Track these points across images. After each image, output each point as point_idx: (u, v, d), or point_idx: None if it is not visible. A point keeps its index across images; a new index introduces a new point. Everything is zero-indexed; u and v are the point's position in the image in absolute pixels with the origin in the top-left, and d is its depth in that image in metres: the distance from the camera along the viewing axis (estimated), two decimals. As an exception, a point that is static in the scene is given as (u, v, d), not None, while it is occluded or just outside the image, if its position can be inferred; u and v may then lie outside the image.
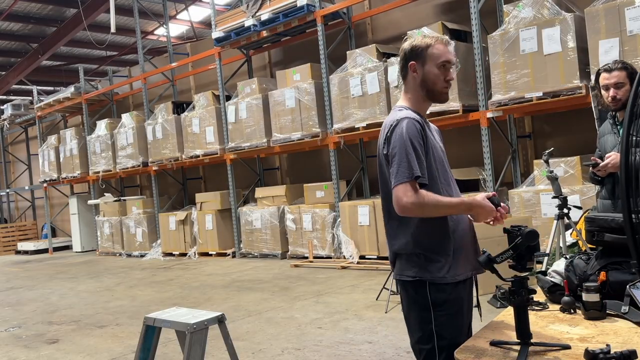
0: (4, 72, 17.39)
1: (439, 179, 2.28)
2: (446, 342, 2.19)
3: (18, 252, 16.32)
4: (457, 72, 7.25)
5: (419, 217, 2.22)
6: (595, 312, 2.17)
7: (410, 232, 2.27)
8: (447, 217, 2.25)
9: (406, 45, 2.37)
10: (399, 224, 2.30)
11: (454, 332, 2.22)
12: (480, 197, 2.21)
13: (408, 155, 2.17)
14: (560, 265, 2.46)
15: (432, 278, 2.21)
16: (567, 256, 2.52)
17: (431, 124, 2.47)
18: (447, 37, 2.37)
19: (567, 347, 1.89)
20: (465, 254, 2.29)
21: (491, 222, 2.24)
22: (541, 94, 6.54)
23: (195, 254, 11.21)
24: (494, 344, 1.99)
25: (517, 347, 1.91)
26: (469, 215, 2.32)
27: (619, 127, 3.47)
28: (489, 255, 1.98)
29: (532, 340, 1.90)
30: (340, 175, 9.08)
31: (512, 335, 2.01)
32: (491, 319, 2.41)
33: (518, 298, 1.90)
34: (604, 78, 3.44)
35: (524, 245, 1.95)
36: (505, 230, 2.04)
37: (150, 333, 3.19)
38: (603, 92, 3.46)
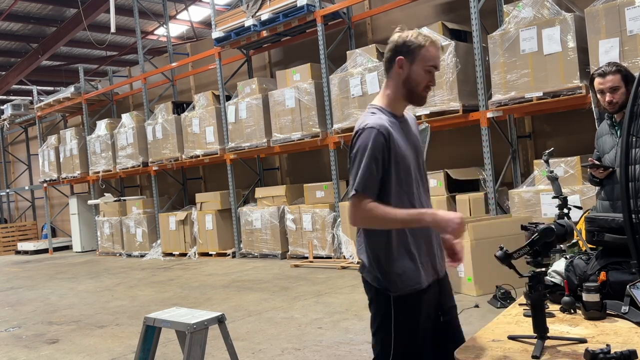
0: (4, 72, 17.39)
1: (401, 188, 2.25)
2: (400, 350, 2.22)
3: (18, 252, 16.32)
4: (457, 73, 7.27)
5: (369, 228, 2.25)
6: (595, 312, 2.17)
7: (363, 243, 2.32)
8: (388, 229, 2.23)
9: (398, 37, 2.27)
10: (360, 233, 2.35)
11: (410, 339, 2.23)
12: (442, 211, 2.16)
13: (361, 168, 2.17)
14: (560, 265, 2.46)
15: (392, 290, 2.23)
16: (567, 256, 2.52)
17: (407, 116, 2.43)
18: (440, 41, 2.33)
19: (584, 341, 1.90)
20: (427, 258, 2.28)
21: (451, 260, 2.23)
22: (541, 94, 6.54)
23: (195, 254, 11.21)
24: (511, 338, 2.01)
25: (533, 341, 1.93)
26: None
27: (616, 128, 3.46)
28: (506, 251, 2.01)
29: (548, 335, 1.92)
30: (340, 175, 9.08)
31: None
32: (491, 319, 2.42)
33: (535, 293, 1.94)
34: (599, 83, 3.39)
35: (540, 242, 1.97)
36: (522, 227, 2.07)
37: (150, 333, 3.19)
38: (598, 96, 3.42)
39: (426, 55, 2.24)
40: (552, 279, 2.40)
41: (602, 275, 2.27)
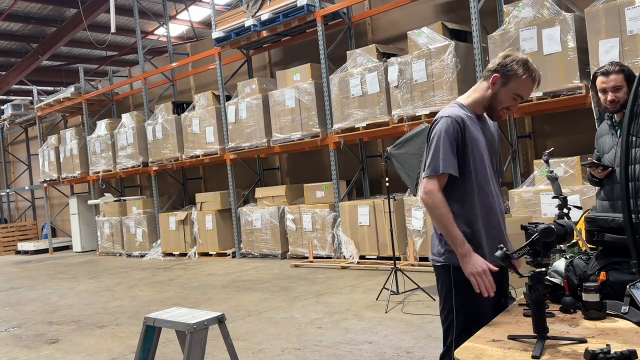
0: (4, 72, 17.40)
1: (476, 176, 2.44)
2: (462, 316, 2.42)
3: (18, 252, 16.32)
4: (457, 73, 7.28)
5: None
6: (595, 312, 2.17)
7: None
8: (472, 207, 2.43)
9: (506, 57, 2.43)
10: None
11: (471, 310, 2.41)
12: (475, 255, 2.34)
13: (439, 152, 2.37)
14: (560, 265, 2.46)
15: (455, 263, 2.42)
16: (567, 256, 2.52)
17: (488, 120, 2.61)
18: (540, 76, 2.45)
19: (584, 341, 1.90)
20: (494, 242, 2.42)
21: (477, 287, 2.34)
22: (541, 94, 6.54)
23: (195, 254, 11.21)
24: (511, 338, 2.01)
25: (533, 341, 1.93)
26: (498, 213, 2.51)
27: (616, 128, 3.46)
28: (505, 251, 2.01)
29: (548, 335, 1.92)
30: (340, 175, 9.08)
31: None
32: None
33: (535, 293, 1.94)
34: (602, 82, 3.38)
35: (540, 242, 1.97)
36: (522, 227, 2.07)
37: (150, 333, 3.19)
38: (600, 95, 3.39)
39: (520, 86, 2.41)
40: (552, 279, 2.40)
41: (602, 275, 2.27)
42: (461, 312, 2.42)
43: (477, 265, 2.30)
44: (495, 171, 2.56)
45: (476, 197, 2.44)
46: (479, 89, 2.50)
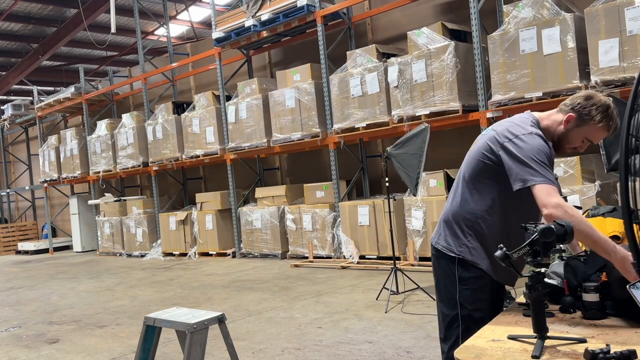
0: (4, 72, 17.41)
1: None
2: (466, 312, 2.44)
3: (18, 252, 16.32)
4: (457, 73, 7.28)
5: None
6: (595, 312, 2.17)
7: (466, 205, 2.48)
8: (504, 221, 2.41)
9: (588, 99, 2.34)
10: (475, 196, 2.47)
11: (475, 305, 2.44)
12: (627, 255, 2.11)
13: (543, 166, 2.25)
14: (558, 266, 2.46)
15: (469, 259, 2.45)
16: (564, 256, 2.52)
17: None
18: (617, 126, 2.33)
19: (583, 341, 1.91)
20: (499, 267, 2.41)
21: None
22: (541, 94, 6.54)
23: (195, 254, 11.21)
24: (511, 338, 2.01)
25: (533, 341, 1.93)
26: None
27: None
28: (505, 251, 2.01)
29: (547, 334, 1.92)
30: (340, 175, 9.08)
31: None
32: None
33: (535, 293, 1.94)
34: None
35: (540, 242, 1.97)
36: (521, 226, 2.07)
37: (151, 333, 3.19)
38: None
39: (594, 131, 2.35)
40: (551, 281, 2.40)
41: (604, 276, 2.27)
42: (466, 308, 2.44)
43: (627, 265, 2.09)
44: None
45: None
46: (553, 119, 2.42)
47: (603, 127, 2.33)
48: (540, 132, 2.34)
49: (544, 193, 2.20)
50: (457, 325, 2.46)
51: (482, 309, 2.44)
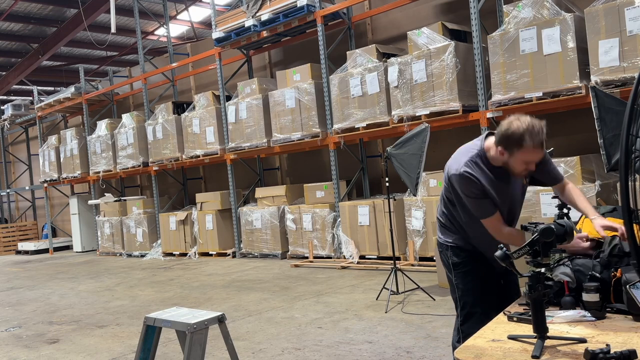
0: (4, 72, 17.41)
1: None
2: (461, 293, 2.84)
3: (18, 252, 16.32)
4: (457, 73, 7.28)
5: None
6: (595, 312, 2.17)
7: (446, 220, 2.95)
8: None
9: (507, 128, 2.46)
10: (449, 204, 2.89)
11: (467, 286, 2.80)
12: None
13: (476, 204, 2.63)
14: (565, 268, 2.45)
15: (452, 244, 2.88)
16: (565, 257, 2.52)
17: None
18: (542, 139, 2.44)
19: (583, 341, 1.91)
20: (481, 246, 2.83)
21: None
22: (541, 94, 6.54)
23: (195, 254, 11.21)
24: (511, 337, 2.01)
25: (533, 341, 1.93)
26: None
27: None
28: (505, 251, 2.02)
29: (547, 334, 1.92)
30: (340, 175, 9.08)
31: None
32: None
33: (535, 293, 1.94)
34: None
35: (540, 242, 1.97)
36: (522, 226, 2.08)
37: (151, 333, 3.19)
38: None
39: (522, 157, 2.45)
40: (565, 278, 2.39)
41: (619, 273, 2.27)
42: (463, 291, 2.80)
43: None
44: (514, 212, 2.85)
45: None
46: (495, 149, 2.59)
47: (528, 147, 2.41)
48: (469, 170, 2.56)
49: (488, 223, 2.61)
50: (459, 306, 2.84)
51: (473, 290, 2.78)
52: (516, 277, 2.78)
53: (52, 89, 18.02)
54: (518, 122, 2.44)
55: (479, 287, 2.78)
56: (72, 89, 14.36)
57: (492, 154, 2.59)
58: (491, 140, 2.60)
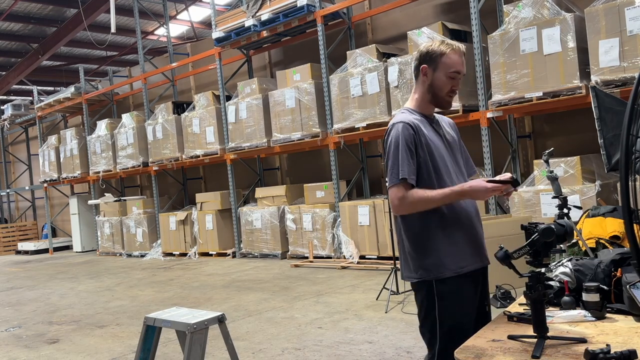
0: (4, 72, 17.40)
1: (437, 178, 2.39)
2: (446, 329, 2.33)
3: (18, 252, 16.32)
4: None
5: (412, 213, 2.36)
6: (596, 312, 2.17)
7: (401, 231, 2.45)
8: (431, 211, 2.35)
9: (422, 47, 2.46)
10: (398, 225, 2.48)
11: (455, 321, 2.33)
12: (472, 181, 2.32)
13: (397, 159, 2.33)
14: (565, 268, 2.45)
15: (434, 276, 2.35)
16: (565, 258, 2.52)
17: (443, 119, 2.62)
18: (463, 47, 2.46)
19: (584, 341, 1.90)
20: (468, 245, 2.39)
21: (504, 195, 2.35)
22: (541, 94, 6.54)
23: (195, 254, 11.21)
24: (511, 337, 2.01)
25: (533, 341, 1.93)
26: (472, 204, 2.46)
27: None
28: (506, 251, 2.02)
29: (548, 334, 1.92)
30: (340, 175, 9.08)
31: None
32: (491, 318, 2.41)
33: (535, 292, 1.94)
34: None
35: (540, 242, 1.97)
36: (522, 227, 2.07)
37: (151, 333, 3.19)
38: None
39: (447, 62, 2.40)
40: (565, 277, 2.39)
41: (619, 273, 2.27)
42: (444, 325, 2.33)
43: (481, 186, 2.25)
44: (461, 169, 2.53)
45: None
46: (416, 89, 2.51)
47: (452, 51, 2.41)
48: (404, 117, 2.40)
49: (392, 193, 2.33)
50: (436, 342, 2.38)
51: (460, 326, 2.35)
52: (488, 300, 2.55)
53: (52, 89, 18.02)
54: (431, 41, 2.50)
55: (467, 319, 2.37)
56: (72, 89, 14.36)
57: (415, 97, 2.50)
58: (410, 100, 2.56)
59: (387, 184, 2.37)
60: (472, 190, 2.26)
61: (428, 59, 2.42)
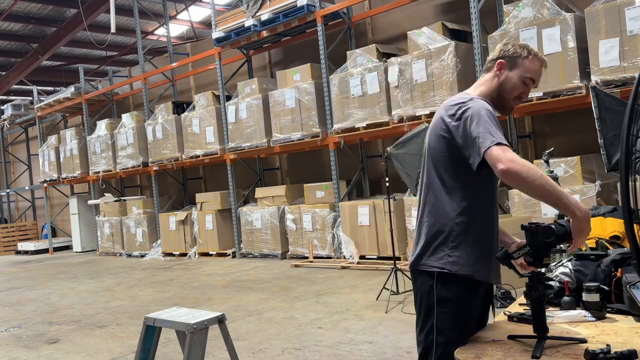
0: (4, 72, 17.40)
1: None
2: (444, 339, 2.12)
3: (18, 252, 16.32)
4: (457, 73, 7.27)
5: (520, 183, 2.01)
6: (595, 312, 2.17)
7: (440, 213, 2.21)
8: (489, 207, 2.19)
9: (508, 44, 2.31)
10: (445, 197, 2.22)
11: (454, 331, 2.12)
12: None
13: (488, 124, 2.08)
14: (565, 268, 2.45)
15: (461, 270, 2.14)
16: (565, 259, 2.52)
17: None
18: (546, 61, 2.32)
19: (584, 341, 1.90)
20: (492, 258, 2.18)
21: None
22: (541, 94, 6.54)
23: (195, 254, 11.21)
24: (511, 337, 2.01)
25: (533, 341, 1.93)
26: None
27: None
28: (506, 251, 2.01)
29: (548, 334, 1.92)
30: (340, 175, 9.08)
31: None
32: (491, 318, 2.41)
33: (535, 293, 1.94)
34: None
35: (540, 242, 1.97)
36: (522, 226, 2.07)
37: (151, 333, 3.19)
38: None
39: (528, 66, 2.25)
40: (565, 278, 2.39)
41: (619, 272, 2.27)
42: (443, 334, 2.13)
43: (587, 229, 1.96)
44: None
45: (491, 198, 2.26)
46: (484, 82, 2.31)
47: (534, 58, 2.26)
48: (476, 97, 2.22)
49: (499, 151, 2.00)
50: (432, 353, 2.19)
51: (457, 339, 2.14)
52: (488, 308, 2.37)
53: (52, 89, 18.01)
54: (517, 41, 2.35)
55: (465, 331, 2.16)
56: (71, 89, 14.36)
57: (480, 90, 2.30)
58: (470, 88, 2.39)
59: (479, 150, 2.04)
60: (585, 215, 1.95)
61: (509, 56, 2.27)
